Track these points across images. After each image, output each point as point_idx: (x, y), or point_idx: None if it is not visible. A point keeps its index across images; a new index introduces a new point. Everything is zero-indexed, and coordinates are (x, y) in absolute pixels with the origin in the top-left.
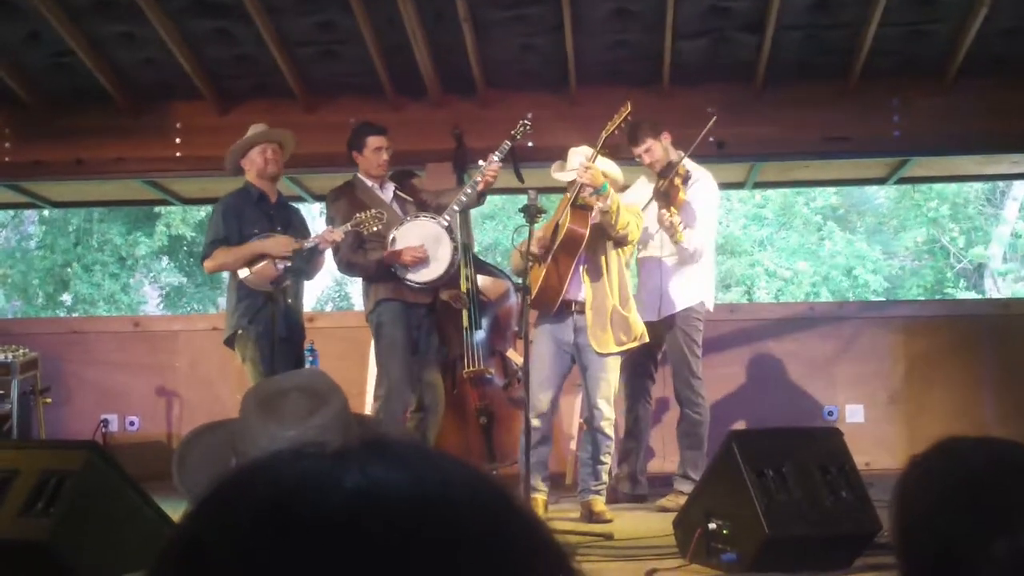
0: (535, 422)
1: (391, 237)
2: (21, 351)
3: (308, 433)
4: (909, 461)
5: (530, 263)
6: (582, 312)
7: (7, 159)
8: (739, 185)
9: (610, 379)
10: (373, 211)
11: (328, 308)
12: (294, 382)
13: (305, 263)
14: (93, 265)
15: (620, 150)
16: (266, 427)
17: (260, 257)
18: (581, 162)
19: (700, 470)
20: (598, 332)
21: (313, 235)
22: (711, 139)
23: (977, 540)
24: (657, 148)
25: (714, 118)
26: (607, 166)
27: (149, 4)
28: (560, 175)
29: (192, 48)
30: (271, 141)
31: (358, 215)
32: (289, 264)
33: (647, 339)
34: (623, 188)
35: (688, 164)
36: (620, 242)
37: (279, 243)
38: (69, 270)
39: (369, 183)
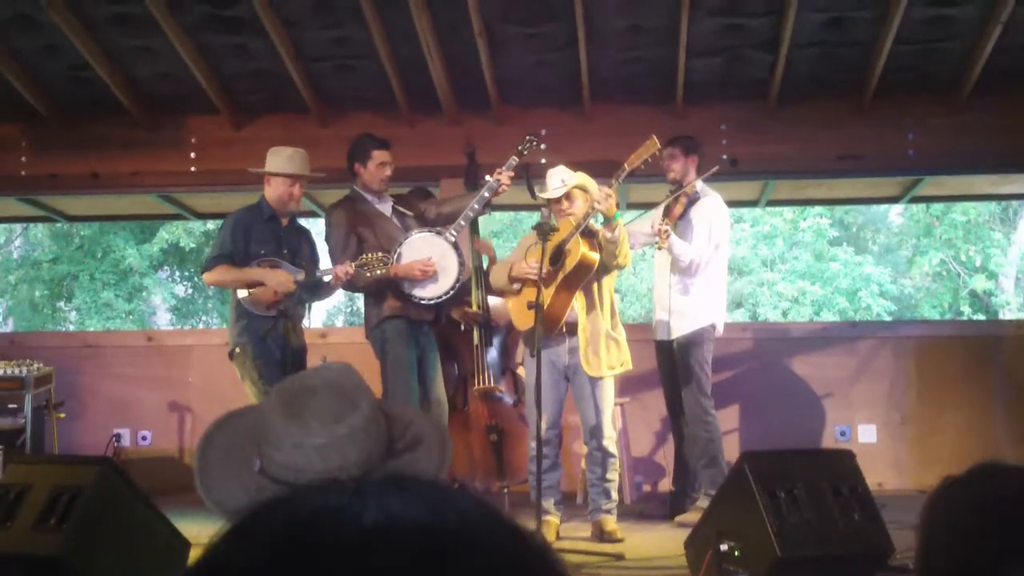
0: (543, 449)
1: (397, 252)
2: (36, 365)
3: (336, 442)
4: (940, 482)
5: (516, 288)
6: (574, 333)
7: (23, 172)
8: (752, 203)
9: (607, 396)
10: (380, 254)
11: (339, 321)
12: (323, 378)
13: (310, 294)
14: (98, 275)
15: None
16: (290, 431)
17: (258, 283)
18: (602, 189)
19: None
20: (591, 356)
21: (323, 266)
22: (724, 156)
23: (995, 566)
24: (679, 160)
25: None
26: (585, 180)
27: (166, 18)
28: (544, 195)
29: (208, 62)
30: (304, 179)
31: (364, 256)
32: (289, 293)
33: (631, 366)
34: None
35: (700, 187)
36: (612, 270)
37: (279, 278)
38: (74, 282)
39: (369, 197)
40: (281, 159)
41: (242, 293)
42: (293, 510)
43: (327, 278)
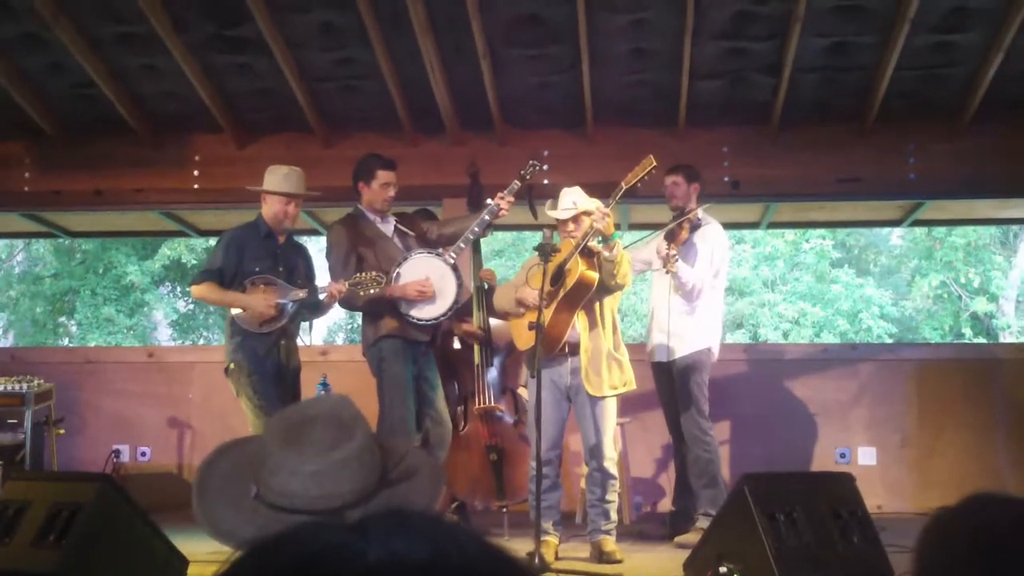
0: (543, 469)
1: (395, 273)
2: (36, 382)
3: (330, 468)
4: (936, 512)
5: (521, 311)
6: (576, 353)
7: (27, 188)
8: (754, 225)
9: (608, 417)
10: (374, 273)
11: (339, 339)
12: (321, 408)
13: (308, 312)
14: (99, 291)
15: (636, 191)
16: (287, 457)
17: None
18: (599, 208)
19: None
20: (592, 375)
21: (320, 284)
22: (725, 179)
23: None
24: (682, 188)
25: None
26: (588, 202)
27: (171, 37)
28: (552, 213)
29: (212, 81)
30: (300, 198)
31: (358, 275)
32: (287, 309)
33: (634, 386)
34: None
35: (701, 214)
36: (612, 290)
37: (260, 303)
38: (75, 297)
39: (371, 216)
40: (277, 178)
41: (236, 310)
42: (299, 547)
43: (322, 296)
